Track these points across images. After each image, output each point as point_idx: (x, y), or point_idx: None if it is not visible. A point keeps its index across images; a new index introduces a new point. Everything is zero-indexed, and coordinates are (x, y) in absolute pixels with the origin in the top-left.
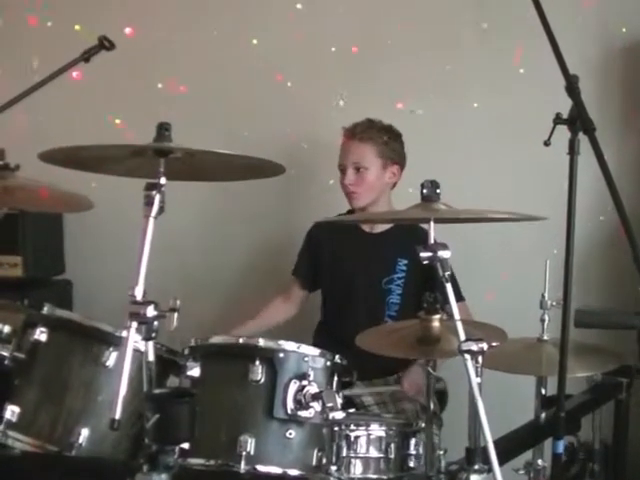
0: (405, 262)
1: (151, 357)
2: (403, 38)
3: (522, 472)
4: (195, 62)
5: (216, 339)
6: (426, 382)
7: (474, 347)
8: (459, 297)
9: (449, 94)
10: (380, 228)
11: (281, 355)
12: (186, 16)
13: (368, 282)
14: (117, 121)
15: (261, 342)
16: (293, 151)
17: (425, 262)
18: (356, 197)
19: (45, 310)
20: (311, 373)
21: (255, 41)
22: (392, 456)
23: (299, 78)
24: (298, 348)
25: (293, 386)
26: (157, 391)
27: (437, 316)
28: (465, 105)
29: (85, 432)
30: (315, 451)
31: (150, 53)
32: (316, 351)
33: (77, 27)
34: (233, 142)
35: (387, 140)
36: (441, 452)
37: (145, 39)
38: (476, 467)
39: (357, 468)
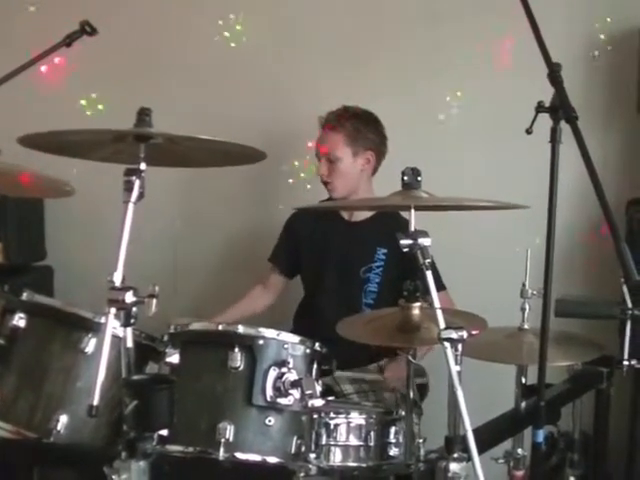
0: (384, 251)
1: (130, 343)
2: (388, 25)
3: (502, 461)
4: (178, 47)
5: (195, 326)
6: (407, 372)
7: (454, 335)
8: (440, 286)
9: (433, 83)
10: (360, 216)
11: (260, 342)
12: (169, 2)
13: (346, 270)
14: (99, 107)
15: (240, 329)
16: (274, 137)
17: (405, 250)
18: (331, 187)
19: (24, 296)
20: (290, 360)
21: (239, 27)
22: (372, 444)
23: (280, 63)
24: (278, 335)
25: (272, 373)
26: (136, 377)
27: (417, 304)
28: (448, 93)
29: (64, 419)
30: (294, 439)
31: (134, 38)
32: (296, 338)
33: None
34: (214, 128)
35: (358, 127)
36: (420, 440)
37: (130, 24)
38: (455, 456)
39: (337, 456)
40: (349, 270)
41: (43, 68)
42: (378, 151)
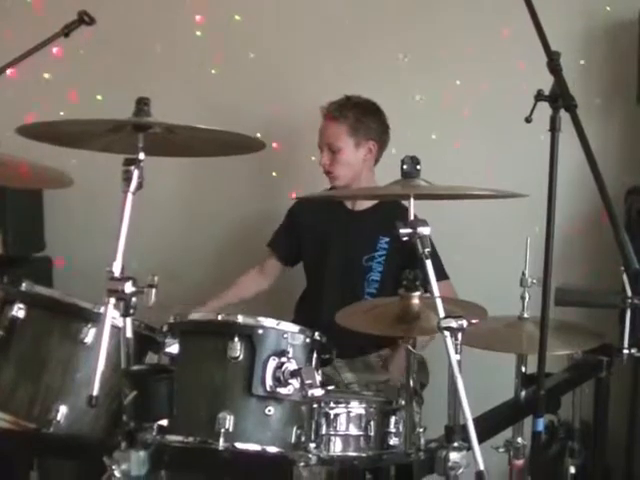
0: (387, 240)
1: (129, 333)
2: (387, 14)
3: (502, 450)
4: (176, 37)
5: (195, 315)
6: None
7: (453, 324)
8: (442, 276)
9: (432, 72)
10: (362, 205)
11: (260, 332)
12: None
13: (349, 259)
14: (98, 97)
15: (240, 319)
16: (274, 126)
17: (405, 239)
18: (333, 177)
19: (23, 287)
20: (290, 350)
21: (238, 17)
22: (372, 434)
23: (281, 52)
24: (277, 325)
25: (272, 363)
26: (135, 368)
27: (417, 293)
28: (448, 83)
29: (63, 409)
30: (294, 428)
31: (132, 28)
32: (295, 328)
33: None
34: (214, 117)
35: (360, 117)
36: (420, 430)
37: (128, 13)
38: (455, 445)
39: (337, 446)
40: (351, 259)
41: (41, 58)
42: (380, 141)
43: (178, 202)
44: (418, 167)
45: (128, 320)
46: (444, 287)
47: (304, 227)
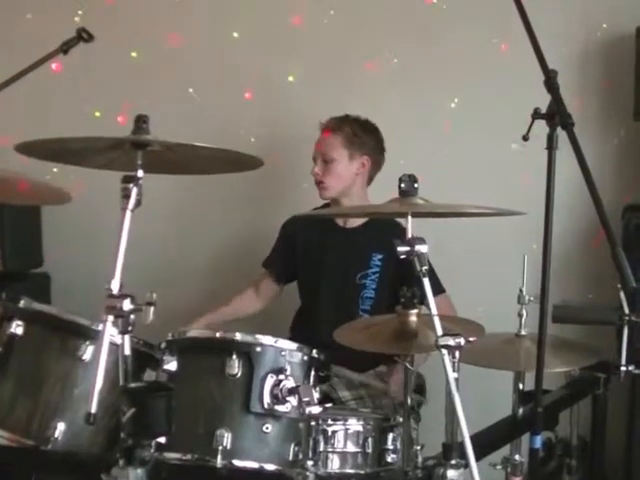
0: (380, 257)
1: (127, 351)
2: (385, 33)
3: (499, 467)
4: (176, 53)
5: (193, 333)
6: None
7: (451, 342)
8: (439, 289)
9: (430, 89)
10: (354, 223)
11: (258, 349)
12: (167, 10)
13: (342, 277)
14: (97, 114)
15: (238, 336)
16: (271, 144)
17: (402, 257)
18: (324, 187)
19: (21, 303)
20: (288, 367)
21: (236, 34)
22: (369, 451)
23: (280, 70)
24: (275, 342)
25: (270, 380)
26: (133, 385)
27: (414, 311)
28: (445, 100)
29: (61, 426)
30: (292, 446)
31: (131, 46)
32: (293, 345)
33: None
34: (211, 135)
35: (357, 132)
36: (418, 447)
37: (127, 31)
38: (453, 462)
39: (334, 463)
40: (345, 277)
41: (40, 75)
42: (374, 158)
43: (174, 217)
44: (416, 185)
45: (126, 337)
46: (441, 301)
47: (297, 245)
